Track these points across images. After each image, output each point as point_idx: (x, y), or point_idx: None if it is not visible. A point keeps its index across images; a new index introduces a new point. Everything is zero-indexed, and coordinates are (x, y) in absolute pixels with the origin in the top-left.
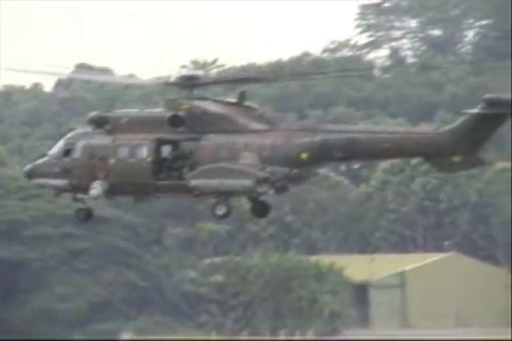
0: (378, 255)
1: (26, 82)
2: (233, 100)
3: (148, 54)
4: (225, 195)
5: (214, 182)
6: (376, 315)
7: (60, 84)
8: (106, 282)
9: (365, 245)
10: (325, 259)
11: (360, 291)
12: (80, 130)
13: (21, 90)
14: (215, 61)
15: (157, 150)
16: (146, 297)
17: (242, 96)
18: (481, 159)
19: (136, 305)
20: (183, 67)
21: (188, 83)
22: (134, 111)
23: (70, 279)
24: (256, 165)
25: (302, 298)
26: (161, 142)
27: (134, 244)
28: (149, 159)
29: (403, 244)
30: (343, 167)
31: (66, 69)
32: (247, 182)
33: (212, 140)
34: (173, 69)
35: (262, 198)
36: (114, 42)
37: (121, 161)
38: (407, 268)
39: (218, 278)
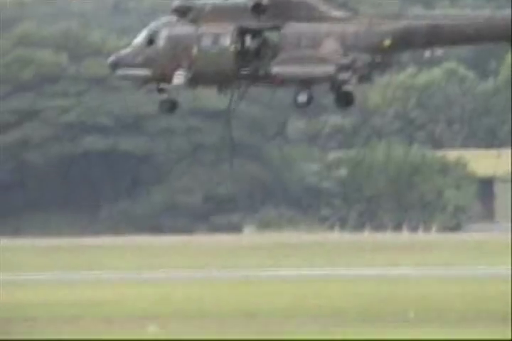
0: (504, 149)
1: None
2: None
3: None
4: (306, 82)
5: (295, 69)
6: (500, 210)
7: None
8: (229, 175)
9: (491, 140)
10: (450, 154)
11: (486, 186)
12: (164, 19)
13: None
14: None
15: (239, 39)
16: (268, 190)
17: None
18: None
19: (258, 197)
20: None
21: None
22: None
23: (194, 172)
24: (338, 52)
25: (426, 192)
26: (243, 30)
27: (257, 137)
28: (231, 48)
29: None
30: (471, 60)
31: None
32: (329, 69)
33: (293, 28)
34: None
35: (346, 88)
36: None
37: (204, 50)
38: None
39: (342, 172)
